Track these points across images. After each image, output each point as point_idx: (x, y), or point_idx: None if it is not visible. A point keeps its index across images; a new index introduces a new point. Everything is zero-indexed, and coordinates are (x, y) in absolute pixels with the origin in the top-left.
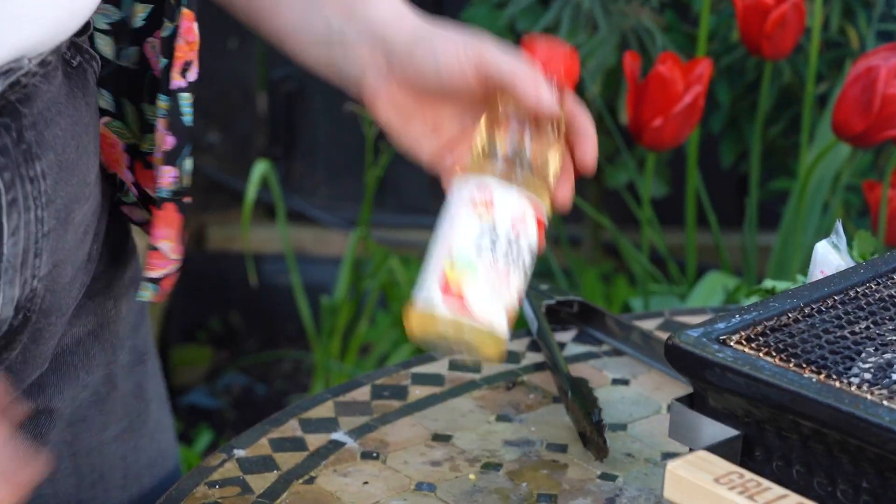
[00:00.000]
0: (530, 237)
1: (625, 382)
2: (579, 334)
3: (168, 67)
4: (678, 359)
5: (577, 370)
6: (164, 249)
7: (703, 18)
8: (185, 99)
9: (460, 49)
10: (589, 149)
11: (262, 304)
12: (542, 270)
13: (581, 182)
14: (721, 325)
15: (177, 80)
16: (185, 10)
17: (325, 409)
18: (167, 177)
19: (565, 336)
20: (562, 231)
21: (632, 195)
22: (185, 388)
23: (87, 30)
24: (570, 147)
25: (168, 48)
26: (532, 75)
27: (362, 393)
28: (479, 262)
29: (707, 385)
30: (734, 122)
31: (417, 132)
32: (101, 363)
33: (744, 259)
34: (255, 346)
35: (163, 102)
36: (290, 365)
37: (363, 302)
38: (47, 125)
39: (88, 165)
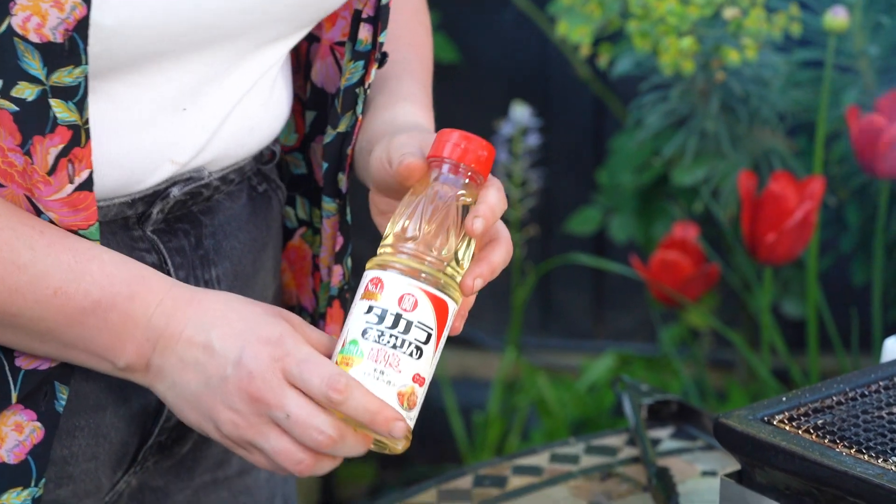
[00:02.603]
0: (421, 316)
1: (713, 474)
2: (677, 431)
3: (332, 171)
4: (723, 435)
5: (669, 463)
6: None
7: (819, 137)
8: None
9: (384, 144)
10: (497, 254)
11: (432, 425)
12: (697, 392)
13: (730, 307)
14: (768, 406)
15: (347, 183)
16: (360, 118)
17: (428, 496)
18: (336, 276)
19: (663, 432)
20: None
21: (776, 318)
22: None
23: (273, 158)
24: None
25: (331, 153)
26: (415, 158)
27: (465, 481)
28: (363, 343)
29: (748, 460)
30: (865, 243)
31: None
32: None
33: None
34: (422, 465)
35: (329, 204)
36: None
37: (513, 418)
38: (226, 237)
39: (266, 282)
